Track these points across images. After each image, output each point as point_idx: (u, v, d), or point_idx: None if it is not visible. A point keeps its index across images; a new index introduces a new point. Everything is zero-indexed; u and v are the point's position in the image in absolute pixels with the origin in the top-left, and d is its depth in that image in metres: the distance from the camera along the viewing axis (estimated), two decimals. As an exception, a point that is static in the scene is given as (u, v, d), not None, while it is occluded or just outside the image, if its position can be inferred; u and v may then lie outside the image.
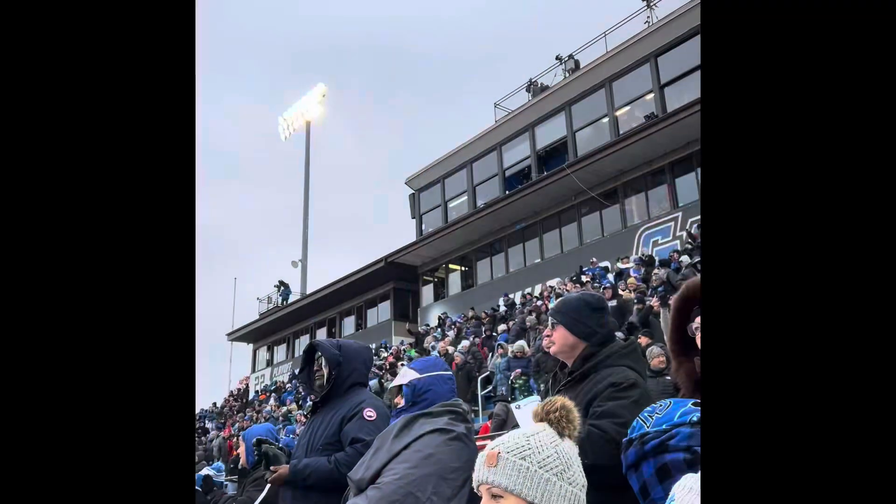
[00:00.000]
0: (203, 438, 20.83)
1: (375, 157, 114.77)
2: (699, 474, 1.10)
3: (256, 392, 25.70)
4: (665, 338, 6.24)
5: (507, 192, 19.65)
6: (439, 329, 18.19)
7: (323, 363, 2.86)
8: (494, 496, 1.23)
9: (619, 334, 7.70)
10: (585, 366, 2.29)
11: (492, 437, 2.16)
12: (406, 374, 2.36)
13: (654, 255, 14.76)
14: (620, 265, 14.27)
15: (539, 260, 19.26)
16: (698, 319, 1.79)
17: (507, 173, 20.56)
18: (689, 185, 15.64)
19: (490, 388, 11.10)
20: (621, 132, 17.02)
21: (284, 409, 18.14)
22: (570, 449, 1.27)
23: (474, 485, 1.29)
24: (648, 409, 1.60)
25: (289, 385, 22.53)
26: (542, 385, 9.19)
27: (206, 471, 3.67)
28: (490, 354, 12.64)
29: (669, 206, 16.01)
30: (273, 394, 22.51)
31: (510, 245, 20.33)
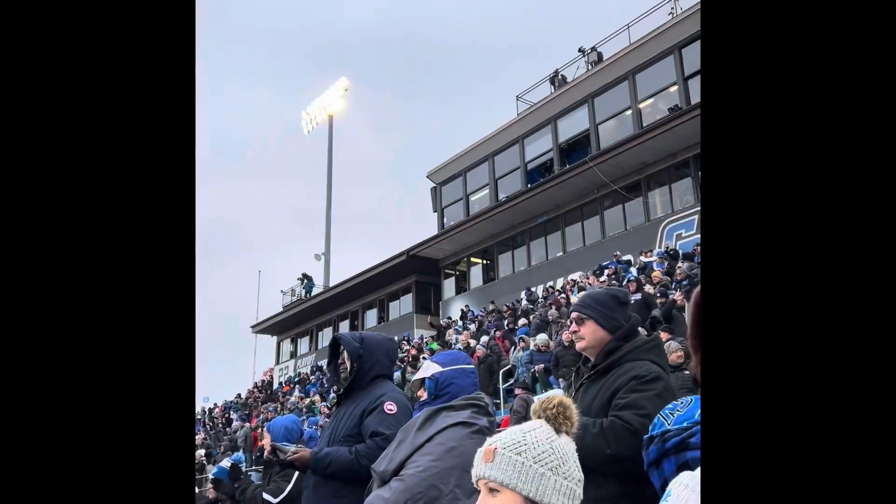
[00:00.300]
0: (227, 429, 21.13)
1: (397, 151, 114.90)
2: (697, 472, 1.11)
3: (280, 384, 25.97)
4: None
5: (528, 186, 19.57)
6: (461, 322, 18.23)
7: (345, 356, 2.89)
8: (491, 490, 1.26)
9: (641, 329, 7.66)
10: (608, 360, 2.29)
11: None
12: (429, 368, 2.38)
13: (677, 248, 14.63)
14: (644, 259, 14.16)
15: (561, 253, 19.18)
16: None
17: (529, 166, 20.48)
18: (713, 178, 15.42)
19: (512, 381, 11.10)
20: (645, 125, 16.86)
21: (308, 400, 18.31)
22: (566, 445, 1.30)
23: (473, 480, 1.32)
24: (669, 406, 1.61)
25: (312, 377, 22.73)
26: (562, 381, 9.17)
27: (226, 461, 3.72)
28: (512, 348, 12.64)
29: (693, 200, 15.83)
30: (297, 385, 22.73)
31: (532, 238, 20.27)
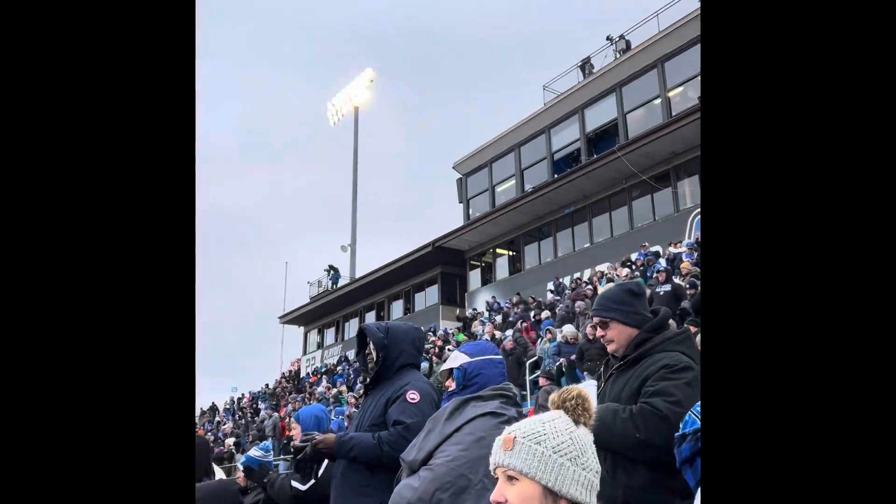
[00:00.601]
0: (255, 419, 21.45)
1: (423, 142, 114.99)
2: None
3: (308, 374, 26.27)
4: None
5: (555, 176, 19.45)
6: (487, 313, 18.23)
7: (372, 346, 2.90)
8: (510, 478, 1.27)
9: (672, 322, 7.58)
10: (638, 351, 2.28)
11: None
12: (457, 358, 2.38)
13: (707, 239, 14.40)
14: (673, 250, 14.00)
15: (588, 244, 19.05)
16: None
17: (556, 157, 20.34)
18: (744, 168, 15.18)
19: (538, 372, 11.08)
20: (674, 113, 16.62)
21: (335, 390, 18.50)
22: (584, 436, 1.31)
23: (491, 468, 1.33)
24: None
25: (339, 368, 22.95)
26: (586, 374, 9.13)
27: (254, 451, 3.75)
28: (538, 339, 12.61)
29: (724, 190, 15.58)
30: (324, 376, 22.97)
31: (559, 229, 20.16)
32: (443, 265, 23.86)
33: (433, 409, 2.59)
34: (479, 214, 22.03)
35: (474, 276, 23.32)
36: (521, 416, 2.32)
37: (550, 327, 11.99)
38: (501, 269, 22.39)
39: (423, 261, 23.74)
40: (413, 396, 2.64)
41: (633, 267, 13.64)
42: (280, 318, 31.11)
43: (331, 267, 29.46)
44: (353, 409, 13.56)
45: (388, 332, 2.84)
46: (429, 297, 24.90)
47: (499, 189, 22.34)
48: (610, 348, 2.39)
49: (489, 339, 13.44)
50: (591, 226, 19.08)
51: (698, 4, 16.97)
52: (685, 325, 7.84)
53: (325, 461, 2.93)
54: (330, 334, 29.72)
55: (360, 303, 27.62)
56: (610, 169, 17.45)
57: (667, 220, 16.89)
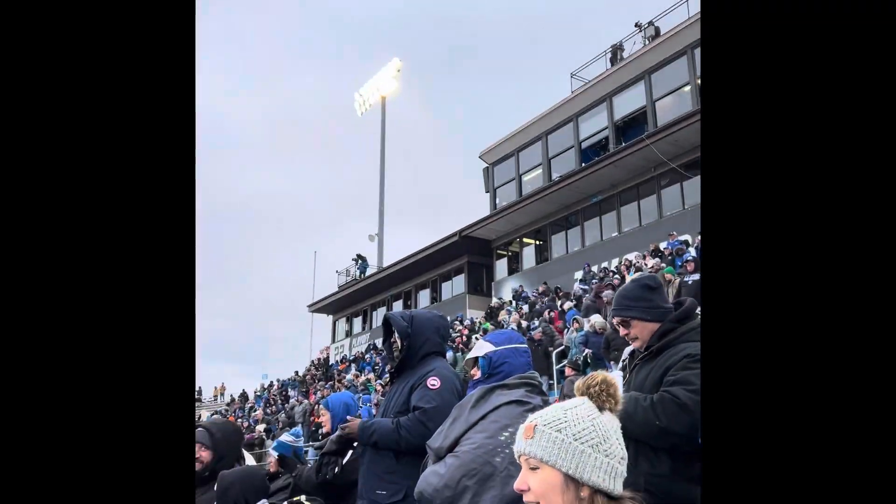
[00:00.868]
0: (285, 406, 21.76)
1: (449, 132, 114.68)
2: None
3: (336, 362, 26.54)
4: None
5: (583, 165, 19.29)
6: (513, 302, 18.20)
7: (396, 335, 2.94)
8: (532, 467, 1.27)
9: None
10: (662, 341, 2.29)
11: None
12: (482, 347, 2.40)
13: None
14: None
15: (616, 234, 18.89)
16: None
17: (584, 145, 20.16)
18: (776, 155, 14.89)
19: (565, 362, 11.06)
20: (704, 100, 16.33)
21: (363, 378, 18.68)
22: (608, 422, 1.29)
23: (515, 456, 1.33)
24: None
25: (367, 356, 23.13)
26: (613, 363, 9.09)
27: (285, 437, 3.81)
28: (565, 329, 12.58)
29: (755, 178, 15.32)
30: (352, 364, 23.20)
31: (586, 218, 20.01)
32: (469, 254, 23.86)
33: (454, 396, 2.62)
34: (506, 204, 21.95)
35: (501, 266, 23.28)
36: (546, 404, 2.34)
37: (577, 317, 11.95)
38: (528, 258, 22.31)
39: (450, 250, 23.76)
40: (434, 383, 2.67)
41: (662, 256, 13.50)
42: (309, 306, 31.43)
43: (359, 256, 29.65)
44: (381, 397, 13.68)
45: (413, 321, 2.87)
46: (455, 286, 24.93)
47: (526, 178, 22.22)
48: (635, 345, 2.40)
49: (515, 328, 13.43)
50: (620, 215, 18.90)
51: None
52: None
53: (350, 451, 2.99)
54: (358, 323, 29.96)
55: (388, 292, 27.77)
56: (638, 157, 17.25)
57: (696, 208, 16.64)
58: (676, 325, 2.30)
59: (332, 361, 27.34)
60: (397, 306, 26.93)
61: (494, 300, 20.85)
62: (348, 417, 2.94)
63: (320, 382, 22.71)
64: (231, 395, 31.22)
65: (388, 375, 3.14)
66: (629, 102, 18.92)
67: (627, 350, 2.54)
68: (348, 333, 30.28)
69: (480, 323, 17.76)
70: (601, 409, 1.30)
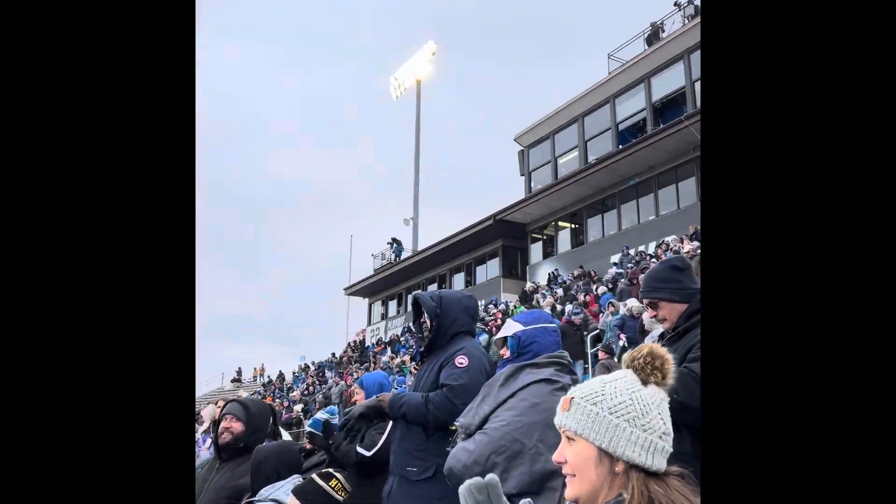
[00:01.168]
0: (322, 386, 22.16)
1: (485, 114, 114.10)
2: None
3: (372, 344, 26.85)
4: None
5: (620, 147, 19.02)
6: (548, 286, 18.14)
7: (426, 315, 2.96)
8: (569, 439, 1.26)
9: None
10: (690, 321, 2.28)
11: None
12: (511, 327, 2.41)
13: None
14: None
15: (654, 217, 18.62)
16: None
17: (621, 127, 19.86)
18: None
19: (599, 346, 11.01)
20: (746, 80, 15.93)
21: (398, 360, 18.88)
22: (650, 396, 1.25)
23: (557, 426, 1.32)
24: None
25: (402, 338, 23.34)
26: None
27: (321, 414, 3.88)
28: (600, 313, 12.50)
29: (798, 159, 14.92)
30: (388, 346, 23.44)
31: (623, 202, 19.76)
32: (504, 238, 23.80)
33: (482, 375, 2.64)
34: (541, 187, 21.79)
35: (536, 249, 23.17)
36: (576, 382, 2.35)
37: (612, 300, 11.86)
38: (563, 242, 22.16)
39: (485, 234, 23.73)
40: (462, 361, 2.69)
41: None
42: (345, 289, 31.78)
43: (394, 240, 29.82)
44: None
45: (441, 301, 2.89)
46: (490, 269, 24.93)
47: (561, 161, 22.01)
48: (664, 326, 2.41)
49: (549, 311, 13.39)
50: (657, 197, 18.61)
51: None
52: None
53: (387, 430, 3.03)
54: (393, 306, 30.21)
55: (423, 275, 27.91)
56: (676, 139, 16.93)
57: (736, 191, 16.31)
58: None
59: (367, 344, 27.66)
60: (432, 290, 27.04)
61: (529, 284, 20.78)
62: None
63: (356, 364, 23.02)
64: (269, 377, 31.85)
65: (419, 356, 3.17)
66: (668, 83, 18.55)
67: (656, 331, 2.54)
68: (384, 316, 30.56)
69: (515, 306, 17.74)
70: (645, 382, 1.26)
